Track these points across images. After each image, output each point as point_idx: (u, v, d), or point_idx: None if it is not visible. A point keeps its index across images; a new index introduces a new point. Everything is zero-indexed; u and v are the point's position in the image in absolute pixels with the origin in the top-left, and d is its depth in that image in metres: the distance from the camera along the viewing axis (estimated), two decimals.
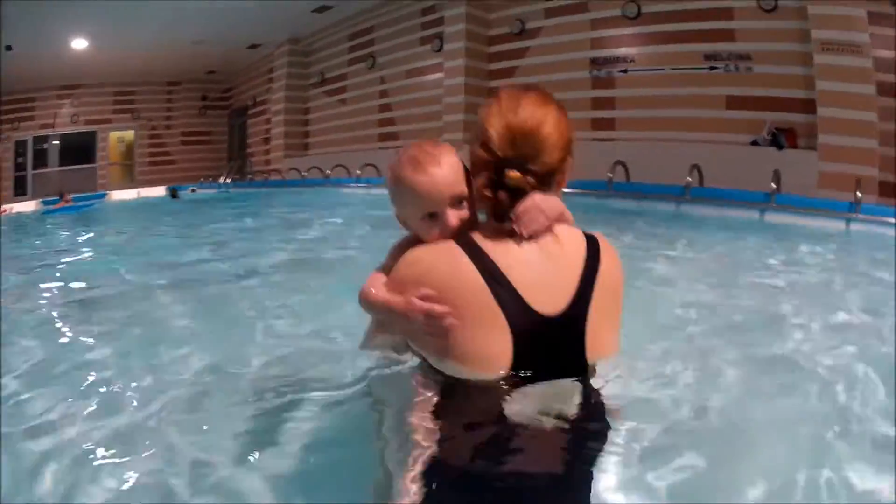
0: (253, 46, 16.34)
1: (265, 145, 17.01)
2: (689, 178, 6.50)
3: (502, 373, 1.37)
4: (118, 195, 11.77)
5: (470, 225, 1.49)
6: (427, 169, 1.47)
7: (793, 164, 6.85)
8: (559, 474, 1.27)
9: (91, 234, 6.97)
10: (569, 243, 1.47)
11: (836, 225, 5.49)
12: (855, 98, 6.99)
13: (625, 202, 6.80)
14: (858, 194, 5.42)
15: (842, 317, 2.69)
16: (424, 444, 1.26)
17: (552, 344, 1.40)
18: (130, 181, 18.67)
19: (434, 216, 1.48)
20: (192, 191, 12.53)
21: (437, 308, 1.37)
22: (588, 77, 9.47)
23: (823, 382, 1.92)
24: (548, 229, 1.44)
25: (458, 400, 1.40)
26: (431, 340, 1.42)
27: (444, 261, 1.41)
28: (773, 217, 5.92)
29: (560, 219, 1.48)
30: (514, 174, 1.40)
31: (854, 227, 5.41)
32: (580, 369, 1.42)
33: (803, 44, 7.45)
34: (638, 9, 9.02)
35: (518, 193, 1.42)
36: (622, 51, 9.26)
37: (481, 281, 1.36)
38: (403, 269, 1.46)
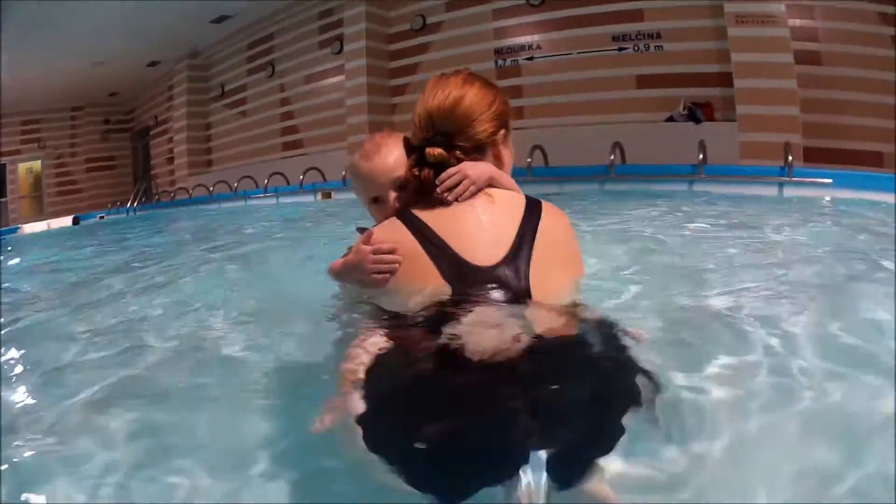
0: (153, 64, 14.50)
1: (169, 165, 15.09)
2: (612, 157, 5.55)
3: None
4: (30, 228, 10.34)
5: (413, 203, 1.46)
6: (371, 157, 1.52)
7: (713, 136, 5.87)
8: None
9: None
10: (506, 204, 1.42)
11: (769, 190, 4.79)
12: (773, 67, 6.21)
13: (547, 187, 5.74)
14: (790, 158, 4.68)
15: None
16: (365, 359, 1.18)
17: (490, 289, 1.29)
18: (41, 213, 16.47)
19: (377, 200, 1.54)
20: (101, 218, 11.04)
21: (384, 246, 1.37)
22: (493, 68, 8.33)
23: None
24: (478, 191, 1.42)
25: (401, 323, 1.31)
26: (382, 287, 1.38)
27: (386, 232, 1.40)
28: (702, 188, 5.12)
29: (493, 183, 1.44)
30: (435, 151, 1.42)
31: (787, 190, 4.70)
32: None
33: (715, 19, 6.62)
34: None
35: (443, 169, 1.42)
36: (527, 38, 8.20)
37: (417, 245, 1.34)
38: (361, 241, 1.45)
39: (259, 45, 12.27)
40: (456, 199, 1.38)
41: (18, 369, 1.84)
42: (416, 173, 1.43)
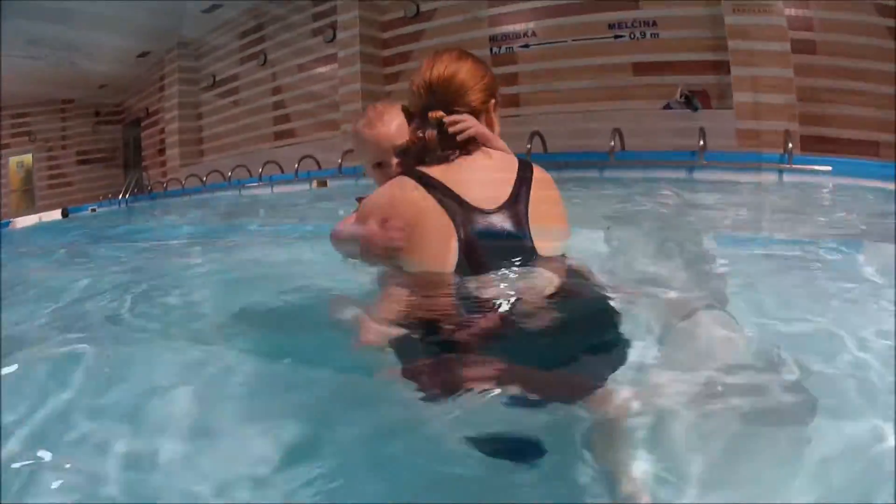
0: (143, 55, 14.08)
1: (161, 156, 14.73)
2: (613, 143, 5.43)
3: (453, 266, 1.39)
4: (21, 222, 10.12)
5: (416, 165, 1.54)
6: (375, 125, 1.64)
7: (709, 124, 5.81)
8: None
9: None
10: (501, 160, 1.55)
11: (768, 177, 4.80)
12: (770, 56, 6.08)
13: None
14: (790, 145, 4.66)
15: None
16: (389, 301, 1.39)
17: (495, 231, 1.42)
18: (32, 207, 15.85)
19: (381, 164, 1.66)
20: (93, 210, 10.88)
21: (394, 223, 1.42)
22: (488, 55, 8.09)
23: None
24: (476, 139, 1.52)
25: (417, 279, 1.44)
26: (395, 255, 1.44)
27: (396, 188, 1.49)
28: (701, 175, 5.09)
29: (488, 143, 1.54)
30: (437, 113, 1.52)
31: (787, 178, 4.69)
32: (531, 256, 1.42)
33: (712, 7, 6.46)
34: None
35: (444, 132, 1.51)
36: (521, 26, 7.96)
37: (425, 193, 1.43)
38: (367, 204, 1.55)
39: (251, 34, 11.93)
40: (463, 132, 1.49)
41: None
42: (421, 135, 1.52)
